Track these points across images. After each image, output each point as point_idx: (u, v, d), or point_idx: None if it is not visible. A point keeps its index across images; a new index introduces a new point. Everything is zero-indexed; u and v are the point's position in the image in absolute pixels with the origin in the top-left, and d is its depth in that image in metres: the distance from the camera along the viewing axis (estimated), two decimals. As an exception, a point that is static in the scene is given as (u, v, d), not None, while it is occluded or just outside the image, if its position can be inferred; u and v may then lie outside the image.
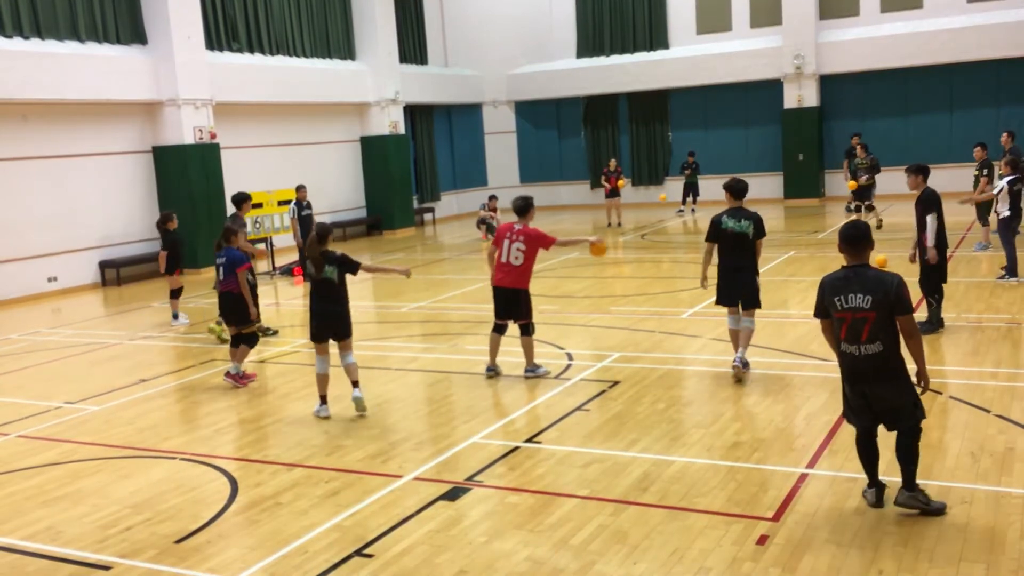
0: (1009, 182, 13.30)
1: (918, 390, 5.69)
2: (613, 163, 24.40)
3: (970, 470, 6.33)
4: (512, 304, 9.43)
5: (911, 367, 5.66)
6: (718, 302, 9.17)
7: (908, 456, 5.69)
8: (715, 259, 9.13)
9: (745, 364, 8.88)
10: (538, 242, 9.31)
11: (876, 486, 5.87)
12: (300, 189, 17.96)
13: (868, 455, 5.86)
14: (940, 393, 8.11)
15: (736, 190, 8.90)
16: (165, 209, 19.51)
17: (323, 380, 8.75)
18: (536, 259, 9.53)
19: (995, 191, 13.74)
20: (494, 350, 9.67)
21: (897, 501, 5.76)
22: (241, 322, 10.08)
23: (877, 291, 5.52)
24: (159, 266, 14.26)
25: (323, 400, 8.74)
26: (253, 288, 10.26)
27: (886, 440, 5.94)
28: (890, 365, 5.59)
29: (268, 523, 6.29)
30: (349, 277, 8.70)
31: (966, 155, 20.08)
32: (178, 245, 14.14)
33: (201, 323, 14.11)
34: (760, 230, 8.77)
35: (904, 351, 5.64)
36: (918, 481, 5.76)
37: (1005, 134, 17.51)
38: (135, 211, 19.80)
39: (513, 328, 9.59)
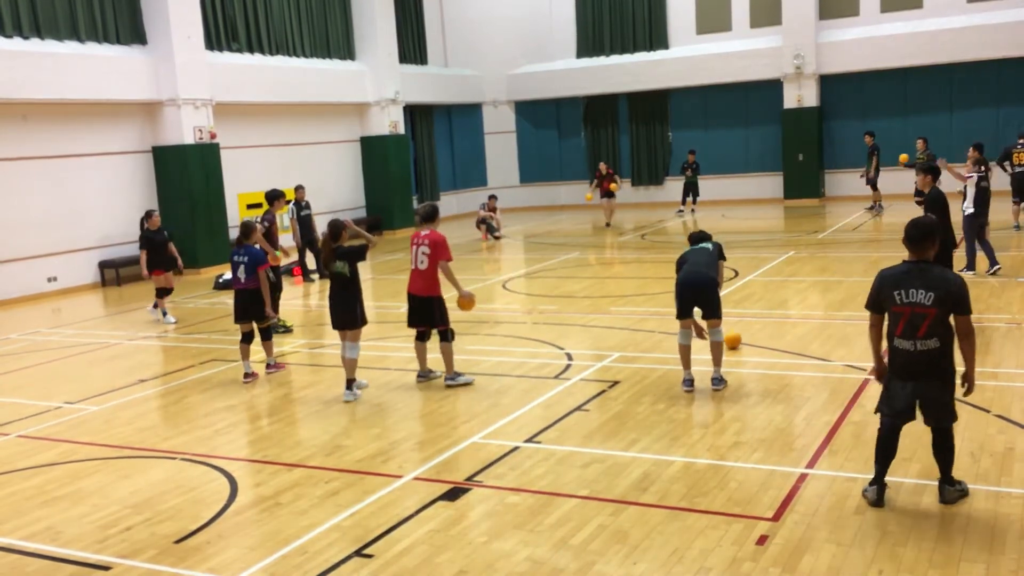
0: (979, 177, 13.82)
1: (960, 391, 5.77)
2: (603, 167, 24.19)
3: (970, 470, 6.33)
4: (425, 311, 9.39)
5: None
6: (679, 316, 8.68)
7: (948, 453, 5.82)
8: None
9: (721, 381, 8.69)
10: (438, 250, 9.24)
11: (879, 484, 5.89)
12: (299, 189, 17.96)
13: (887, 451, 5.89)
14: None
15: (693, 238, 9.12)
16: (166, 209, 19.60)
17: (347, 364, 9.31)
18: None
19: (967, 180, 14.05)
20: (422, 358, 9.69)
21: (945, 499, 5.85)
22: (259, 318, 10.25)
23: (940, 289, 5.59)
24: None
25: (349, 385, 9.23)
26: (275, 286, 10.25)
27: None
28: (942, 364, 5.67)
29: (268, 523, 6.29)
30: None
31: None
32: (155, 244, 14.02)
33: (200, 323, 14.11)
34: (721, 253, 8.87)
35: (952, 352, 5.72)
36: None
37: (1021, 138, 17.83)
38: (135, 211, 19.69)
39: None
